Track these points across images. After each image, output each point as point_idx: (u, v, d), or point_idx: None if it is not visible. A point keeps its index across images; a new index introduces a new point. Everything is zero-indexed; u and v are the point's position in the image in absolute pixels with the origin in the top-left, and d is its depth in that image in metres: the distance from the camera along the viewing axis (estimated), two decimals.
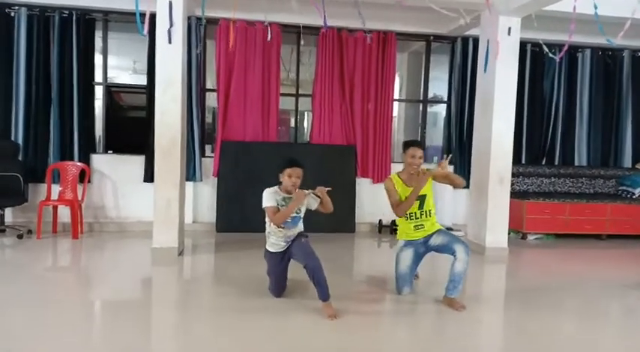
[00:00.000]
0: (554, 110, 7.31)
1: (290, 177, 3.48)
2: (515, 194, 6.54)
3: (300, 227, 3.69)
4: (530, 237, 6.67)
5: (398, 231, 4.06)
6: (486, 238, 5.56)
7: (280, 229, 3.57)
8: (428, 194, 3.86)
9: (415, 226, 3.87)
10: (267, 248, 3.70)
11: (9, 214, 6.08)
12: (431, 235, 3.87)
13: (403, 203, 3.79)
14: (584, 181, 7.29)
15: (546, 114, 7.33)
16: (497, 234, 5.59)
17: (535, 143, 7.33)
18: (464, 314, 3.58)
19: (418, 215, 3.86)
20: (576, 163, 7.40)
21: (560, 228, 6.63)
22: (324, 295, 3.38)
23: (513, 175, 5.94)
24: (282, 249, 3.62)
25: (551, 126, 7.33)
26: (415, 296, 3.91)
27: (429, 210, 3.89)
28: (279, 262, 3.65)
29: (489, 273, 5.10)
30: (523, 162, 7.25)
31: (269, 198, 3.53)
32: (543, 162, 7.37)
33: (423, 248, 3.91)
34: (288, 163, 3.53)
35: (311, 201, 3.64)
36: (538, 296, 4.14)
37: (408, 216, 3.86)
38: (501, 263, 5.37)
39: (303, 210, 3.66)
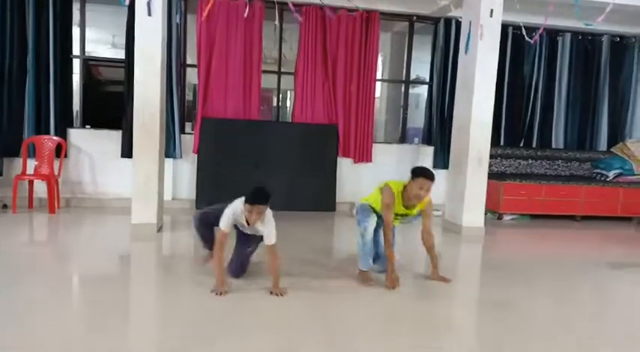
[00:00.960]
0: (533, 93, 7.40)
1: (250, 212, 3.22)
2: (492, 175, 6.62)
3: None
4: (506, 218, 6.80)
5: (371, 198, 3.86)
6: (463, 217, 5.65)
7: None
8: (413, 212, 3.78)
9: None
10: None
11: None
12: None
13: (386, 232, 3.61)
14: (560, 164, 7.44)
15: (525, 96, 7.40)
16: (474, 213, 5.68)
17: (514, 125, 7.42)
18: (439, 289, 3.67)
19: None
20: (553, 146, 7.52)
21: (536, 209, 6.77)
22: None
23: (491, 156, 6.01)
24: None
25: (530, 108, 7.42)
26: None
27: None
28: (244, 242, 3.62)
29: (465, 252, 5.22)
30: (501, 143, 7.36)
31: (227, 219, 3.28)
32: (521, 144, 7.47)
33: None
34: (250, 199, 3.20)
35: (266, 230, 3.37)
36: (513, 274, 4.25)
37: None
38: (477, 242, 5.47)
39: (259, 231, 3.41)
